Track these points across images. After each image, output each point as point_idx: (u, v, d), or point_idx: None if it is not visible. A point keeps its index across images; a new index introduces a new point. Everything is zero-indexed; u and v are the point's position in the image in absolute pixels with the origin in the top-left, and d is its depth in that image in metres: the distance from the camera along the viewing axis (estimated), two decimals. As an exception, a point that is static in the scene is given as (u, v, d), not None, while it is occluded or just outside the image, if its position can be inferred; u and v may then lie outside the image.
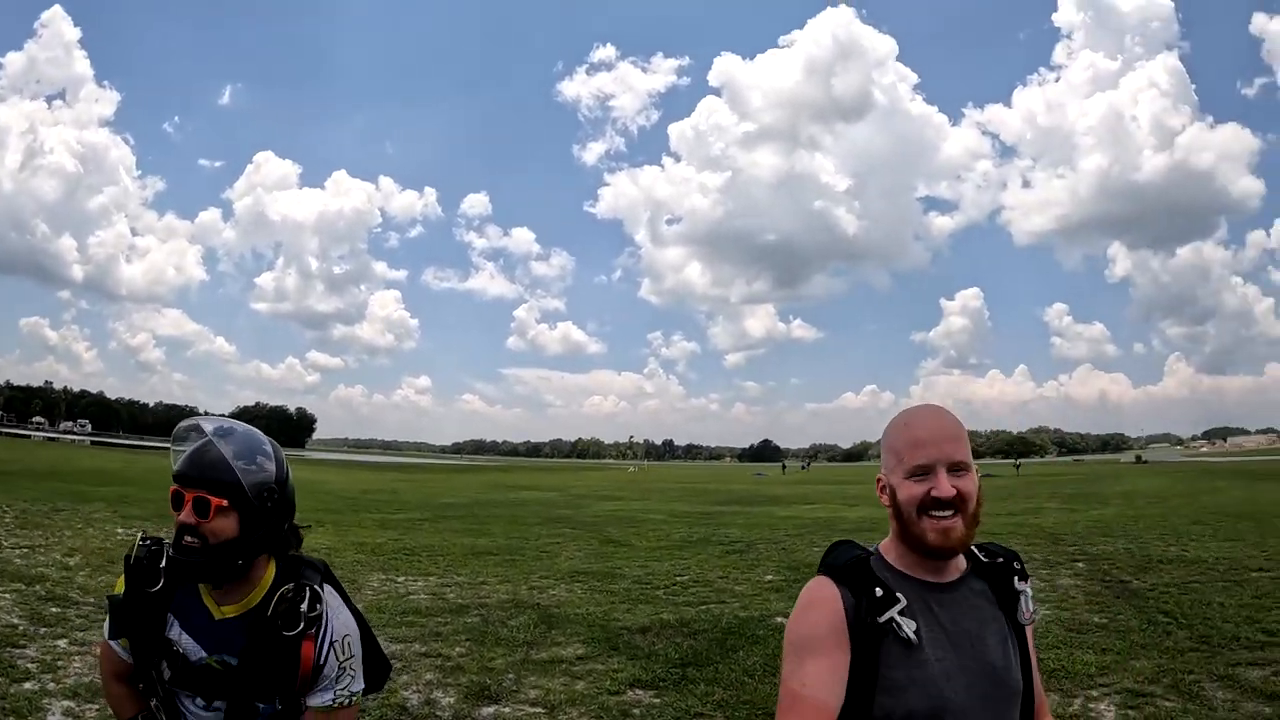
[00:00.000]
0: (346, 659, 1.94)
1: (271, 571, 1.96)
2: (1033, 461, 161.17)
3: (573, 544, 15.33)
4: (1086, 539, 15.17)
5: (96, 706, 5.35)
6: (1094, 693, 5.90)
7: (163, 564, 1.90)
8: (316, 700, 1.91)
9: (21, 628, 7.06)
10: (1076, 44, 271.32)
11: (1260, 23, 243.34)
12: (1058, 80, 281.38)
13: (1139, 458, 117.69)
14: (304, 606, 1.88)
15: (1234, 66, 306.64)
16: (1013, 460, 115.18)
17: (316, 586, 1.92)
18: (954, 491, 1.62)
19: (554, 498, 31.82)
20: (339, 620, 1.95)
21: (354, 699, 1.95)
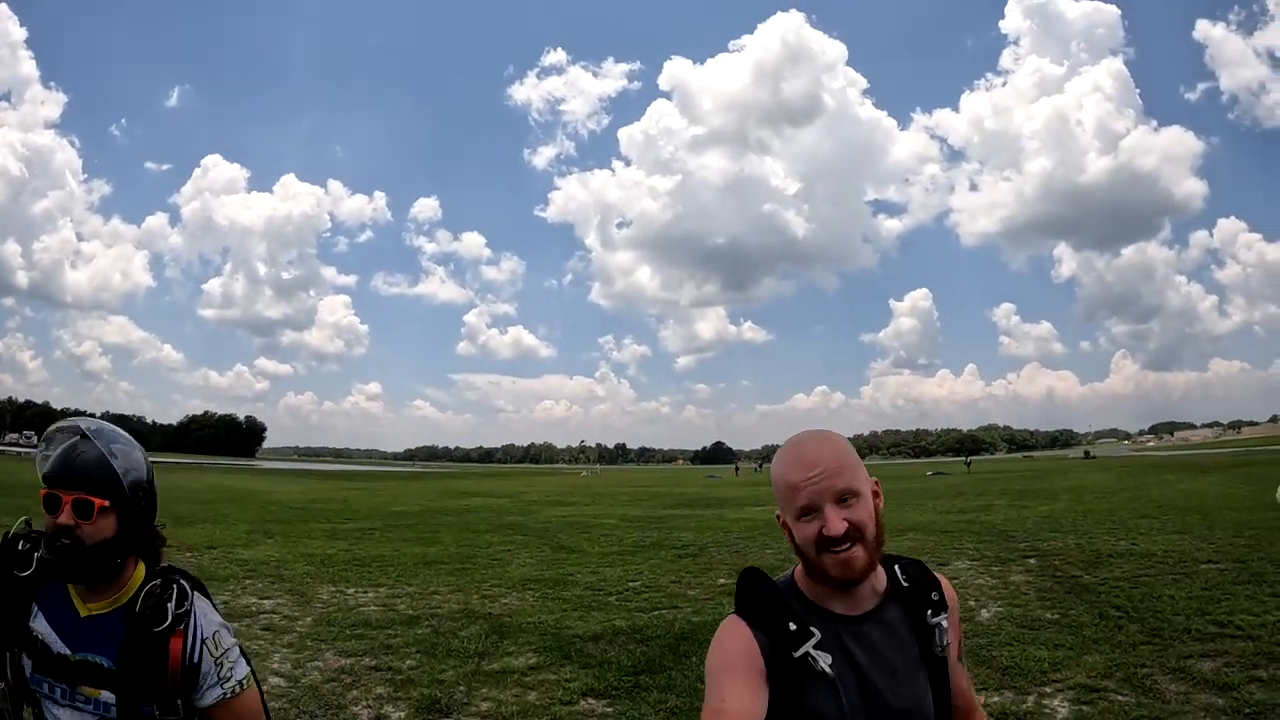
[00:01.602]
0: (221, 653, 1.91)
1: (141, 571, 1.94)
2: (984, 459, 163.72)
3: (524, 551, 15.16)
4: (1036, 535, 15.35)
5: None
6: (1047, 689, 5.90)
7: (38, 553, 1.85)
8: (208, 700, 1.89)
9: None
10: (1023, 49, 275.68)
11: (1203, 29, 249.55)
12: (1004, 85, 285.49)
13: (1087, 453, 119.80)
14: (171, 604, 1.86)
15: (1177, 72, 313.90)
16: (964, 458, 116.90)
17: (184, 583, 1.90)
18: (845, 526, 1.61)
19: (505, 504, 31.49)
20: (207, 619, 1.92)
21: (245, 684, 1.93)
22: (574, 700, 6.02)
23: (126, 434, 1.96)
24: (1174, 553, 11.86)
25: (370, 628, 8.27)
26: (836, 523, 1.60)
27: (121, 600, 1.87)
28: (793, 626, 1.62)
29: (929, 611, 1.72)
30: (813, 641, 1.61)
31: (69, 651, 1.83)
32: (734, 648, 1.65)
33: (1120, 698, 5.63)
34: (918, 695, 1.67)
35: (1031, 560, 12.07)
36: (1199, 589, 9.05)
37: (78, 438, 1.87)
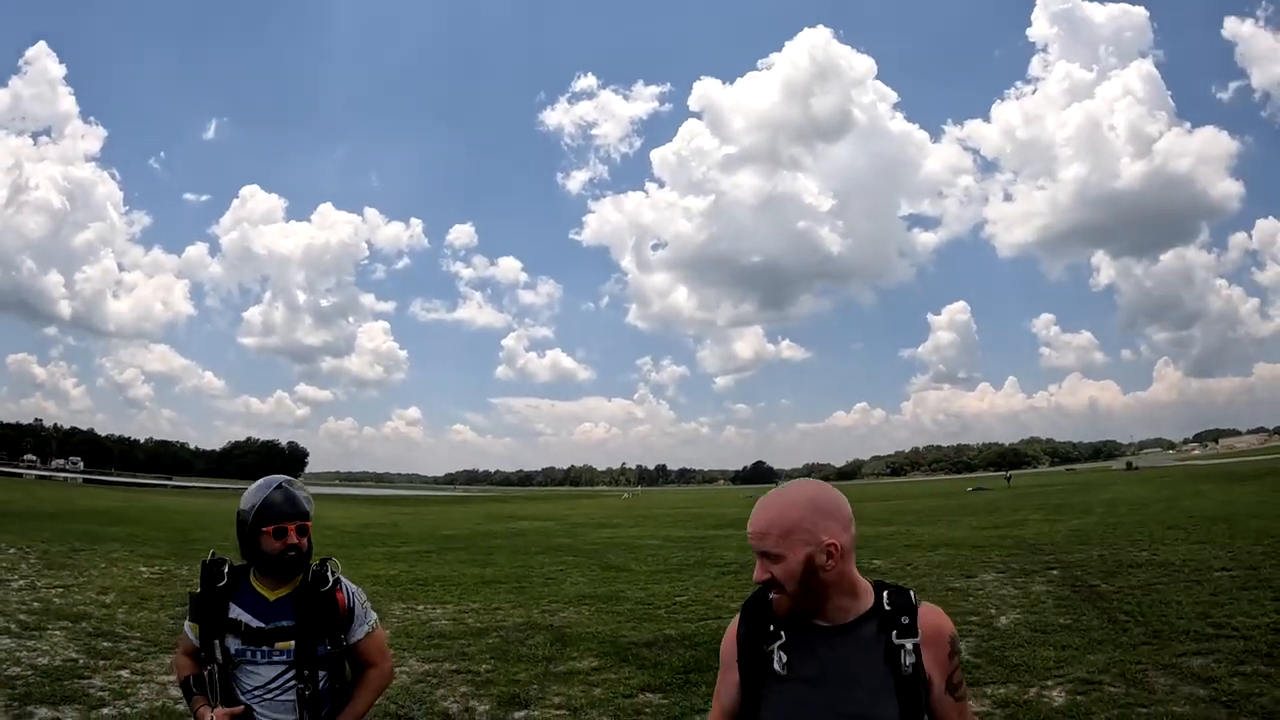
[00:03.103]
0: (362, 602, 2.96)
1: None
2: (1025, 473, 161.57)
3: (576, 570, 16.02)
4: (1063, 548, 15.99)
5: None
6: (1049, 682, 6.66)
7: (225, 569, 2.88)
8: (357, 635, 2.91)
9: (81, 661, 7.74)
10: (1052, 56, 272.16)
11: (1232, 26, 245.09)
12: (1035, 92, 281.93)
13: (1130, 464, 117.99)
14: (327, 573, 2.90)
15: (1208, 71, 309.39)
16: (1004, 473, 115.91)
17: (333, 560, 2.99)
18: (764, 578, 1.94)
19: (552, 526, 32.40)
20: (347, 581, 2.96)
21: (376, 624, 2.99)
22: (633, 694, 6.92)
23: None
24: (1191, 561, 12.48)
25: (445, 638, 9.20)
26: (758, 573, 1.95)
27: (294, 585, 2.87)
28: (771, 627, 1.99)
29: (895, 633, 1.92)
30: (779, 642, 1.97)
31: (264, 624, 2.79)
32: (726, 639, 2.11)
33: (1113, 689, 6.35)
34: (877, 707, 1.89)
35: (1054, 571, 12.75)
36: (1206, 595, 9.69)
37: (284, 485, 2.90)
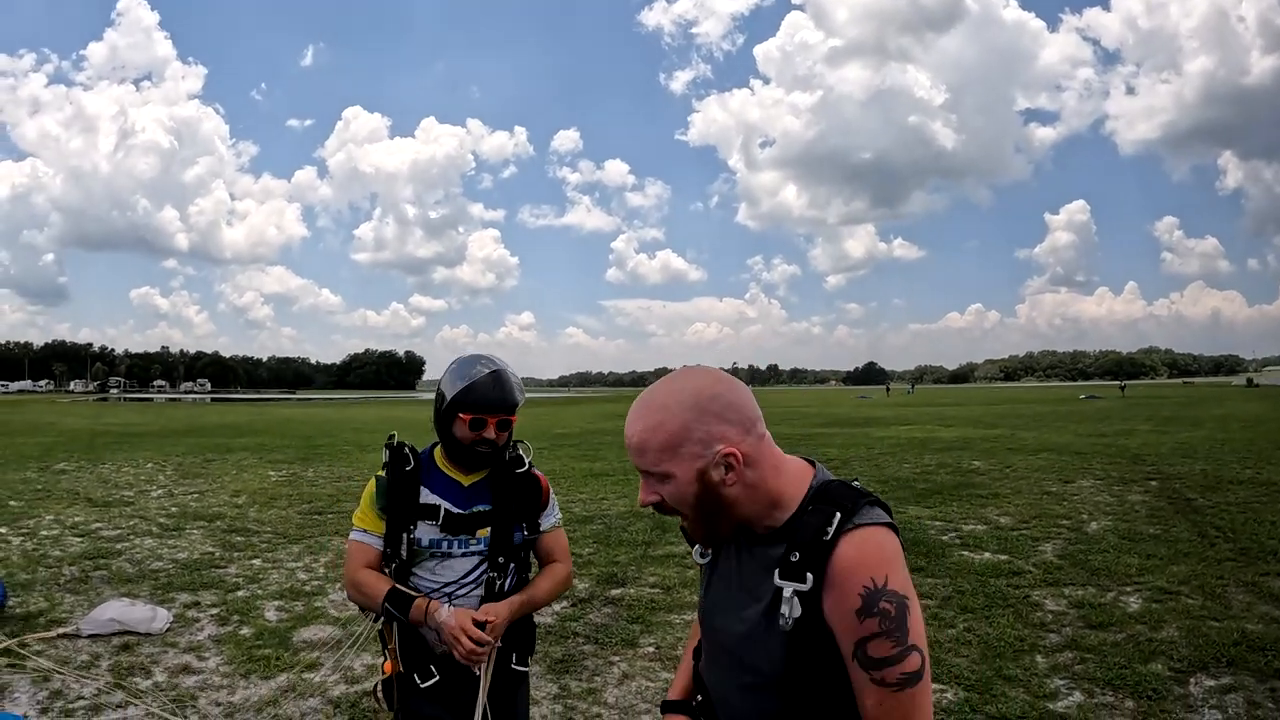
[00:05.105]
0: (554, 494, 2.72)
1: None
2: (1141, 383, 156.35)
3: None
4: (1166, 460, 15.90)
5: (301, 604, 6.80)
6: (1128, 588, 6.89)
7: (407, 451, 2.56)
8: (548, 524, 2.66)
9: (218, 554, 8.60)
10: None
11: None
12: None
13: (1250, 381, 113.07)
14: (520, 455, 2.64)
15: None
16: (1119, 383, 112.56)
17: (520, 445, 2.68)
18: (651, 500, 1.52)
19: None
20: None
21: (561, 520, 2.73)
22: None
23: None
24: (1295, 483, 12.29)
25: (552, 522, 9.85)
26: (643, 494, 1.52)
27: (487, 471, 2.59)
28: None
29: (779, 571, 1.42)
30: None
31: (462, 510, 2.50)
32: None
33: (1189, 600, 6.52)
34: (753, 653, 1.48)
35: (1153, 482, 12.78)
36: (1304, 517, 9.63)
37: (497, 370, 2.48)
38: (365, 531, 2.55)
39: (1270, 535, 8.68)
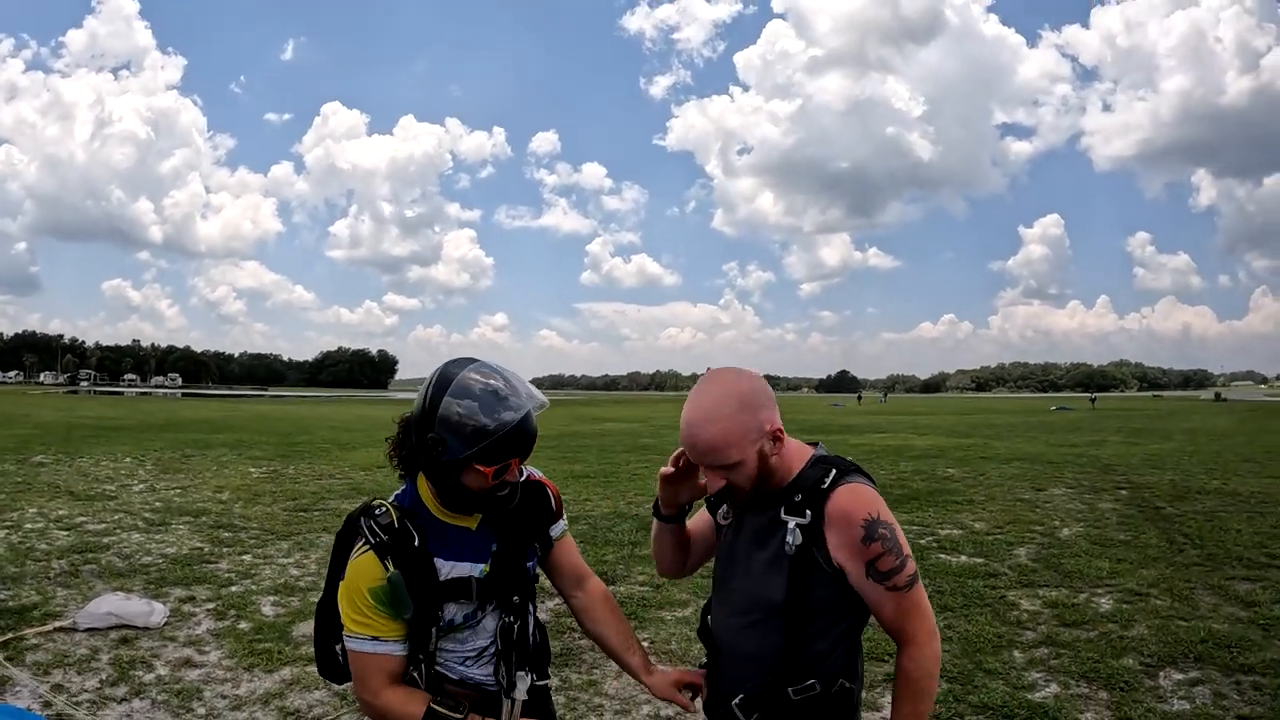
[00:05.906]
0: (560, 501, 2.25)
1: None
2: (1111, 396, 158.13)
3: (660, 467, 16.71)
4: (1136, 470, 16.26)
5: (297, 599, 6.89)
6: (1100, 590, 7.14)
7: (397, 522, 1.92)
8: (558, 531, 2.20)
9: (207, 549, 8.67)
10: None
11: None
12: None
13: (1218, 395, 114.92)
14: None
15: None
16: (1089, 395, 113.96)
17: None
18: (720, 486, 1.90)
19: (637, 428, 33.28)
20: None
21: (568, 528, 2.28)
22: (709, 575, 7.58)
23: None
24: (1260, 494, 12.67)
25: (537, 522, 9.99)
26: (712, 484, 1.91)
27: None
28: None
29: (783, 508, 1.88)
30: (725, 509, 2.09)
31: (484, 564, 1.98)
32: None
33: (1158, 602, 6.77)
34: (765, 585, 1.90)
35: (1123, 491, 13.10)
36: (1267, 526, 9.94)
37: (526, 412, 1.87)
38: (377, 639, 1.91)
39: (1236, 542, 8.96)
